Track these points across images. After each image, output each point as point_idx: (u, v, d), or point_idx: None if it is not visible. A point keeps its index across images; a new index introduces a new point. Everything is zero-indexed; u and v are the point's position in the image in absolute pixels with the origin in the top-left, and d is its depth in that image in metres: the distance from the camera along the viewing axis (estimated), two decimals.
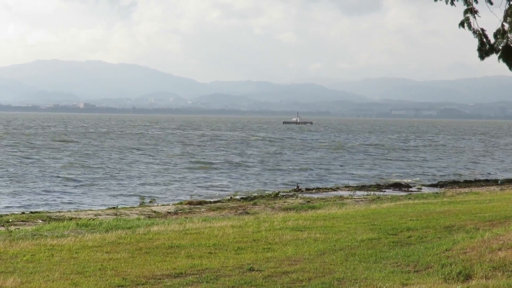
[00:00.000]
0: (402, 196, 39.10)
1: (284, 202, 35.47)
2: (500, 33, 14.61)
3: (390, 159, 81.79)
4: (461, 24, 14.60)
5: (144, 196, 38.65)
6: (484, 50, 14.72)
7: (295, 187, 46.52)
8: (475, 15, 14.50)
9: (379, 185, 49.30)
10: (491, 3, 14.45)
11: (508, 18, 14.55)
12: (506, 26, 14.63)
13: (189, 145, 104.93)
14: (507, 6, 14.60)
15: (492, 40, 14.68)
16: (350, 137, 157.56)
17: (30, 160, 68.05)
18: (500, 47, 14.82)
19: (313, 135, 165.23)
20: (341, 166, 70.59)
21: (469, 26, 14.55)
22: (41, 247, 17.05)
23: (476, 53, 14.98)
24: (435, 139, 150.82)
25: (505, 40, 14.68)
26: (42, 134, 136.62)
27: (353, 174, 61.92)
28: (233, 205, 33.99)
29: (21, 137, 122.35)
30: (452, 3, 14.55)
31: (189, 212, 31.46)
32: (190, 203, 35.18)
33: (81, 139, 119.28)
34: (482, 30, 14.75)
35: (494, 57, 15.01)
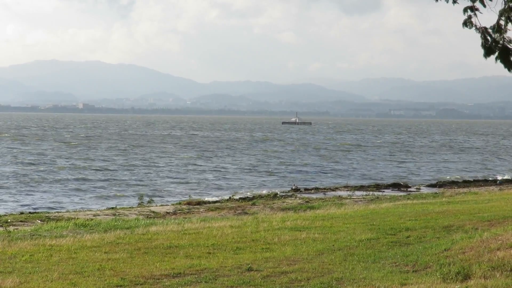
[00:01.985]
0: (401, 196, 39.13)
1: (283, 202, 35.48)
2: (496, 30, 14.59)
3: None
4: (464, 23, 14.60)
5: (143, 196, 38.61)
6: (488, 47, 14.70)
7: (293, 187, 46.48)
8: (475, 12, 14.48)
9: (377, 185, 49.32)
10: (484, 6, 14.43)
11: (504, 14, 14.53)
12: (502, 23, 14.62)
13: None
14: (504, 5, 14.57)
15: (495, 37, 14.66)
16: (418, 137, 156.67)
17: (31, 160, 68.07)
18: (497, 48, 14.81)
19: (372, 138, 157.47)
20: None
21: (471, 24, 14.54)
22: (40, 247, 17.05)
23: (476, 53, 15.08)
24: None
25: (501, 42, 14.67)
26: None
27: None
28: (232, 205, 34.01)
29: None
30: (454, 2, 14.52)
31: (187, 212, 31.48)
32: (189, 203, 35.19)
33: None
34: (485, 28, 14.74)
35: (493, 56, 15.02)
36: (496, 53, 14.76)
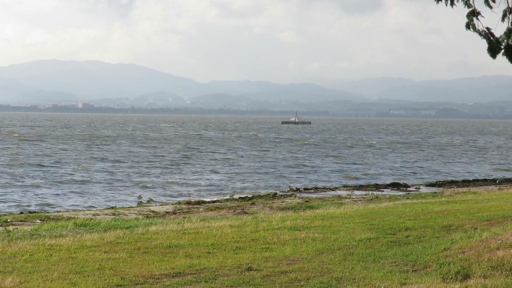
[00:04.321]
0: (400, 195, 39.10)
1: (282, 202, 35.46)
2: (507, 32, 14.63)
3: None
4: (467, 26, 14.67)
5: (142, 196, 38.60)
6: (494, 48, 14.76)
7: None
8: (478, 16, 14.54)
9: (377, 184, 49.32)
10: (491, 7, 14.45)
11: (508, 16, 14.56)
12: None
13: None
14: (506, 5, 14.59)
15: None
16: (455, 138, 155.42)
17: (31, 160, 68.06)
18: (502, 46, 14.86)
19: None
20: None
21: (474, 28, 14.62)
22: (40, 247, 17.06)
23: (476, 53, 15.19)
24: None
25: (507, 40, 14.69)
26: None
27: None
28: (231, 205, 33.99)
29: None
30: (452, 4, 14.58)
31: (187, 212, 31.47)
32: (188, 203, 35.18)
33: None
34: (488, 29, 14.79)
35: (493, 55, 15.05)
36: (502, 51, 14.74)
